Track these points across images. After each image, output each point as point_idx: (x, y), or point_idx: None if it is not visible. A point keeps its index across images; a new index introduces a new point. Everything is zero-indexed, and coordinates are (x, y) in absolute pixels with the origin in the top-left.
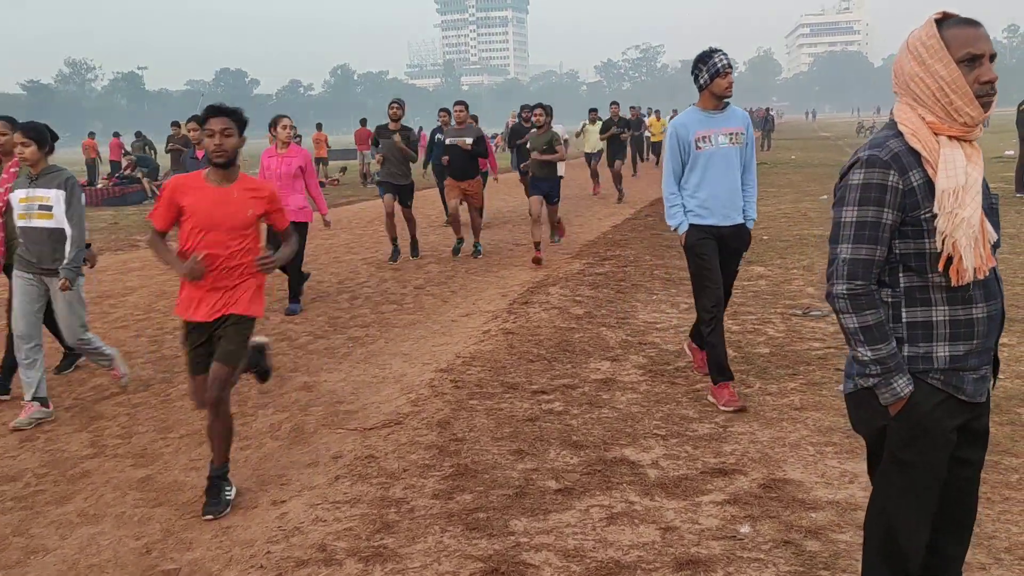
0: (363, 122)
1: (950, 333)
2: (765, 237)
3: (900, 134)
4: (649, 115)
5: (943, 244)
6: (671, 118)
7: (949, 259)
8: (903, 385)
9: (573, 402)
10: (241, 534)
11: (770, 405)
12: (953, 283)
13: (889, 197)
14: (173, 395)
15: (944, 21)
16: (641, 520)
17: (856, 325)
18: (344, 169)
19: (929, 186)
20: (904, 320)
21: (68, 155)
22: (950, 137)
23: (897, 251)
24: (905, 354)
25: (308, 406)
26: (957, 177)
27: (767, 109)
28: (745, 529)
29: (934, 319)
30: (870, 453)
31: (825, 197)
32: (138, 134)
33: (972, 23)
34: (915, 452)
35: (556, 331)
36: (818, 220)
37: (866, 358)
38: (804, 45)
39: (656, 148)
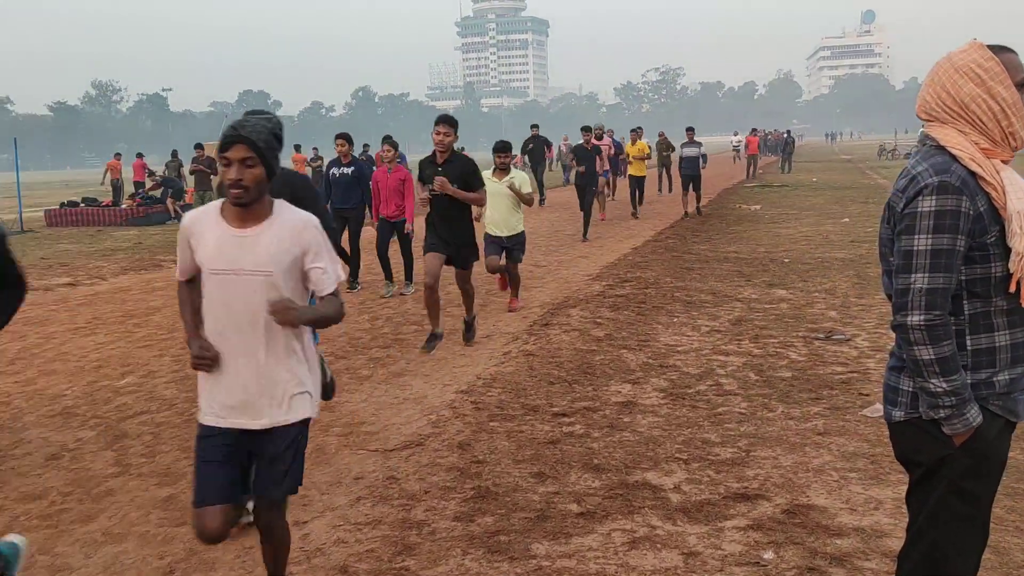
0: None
1: (1011, 357)
2: (787, 260)
3: (955, 158)
4: (636, 139)
5: (1018, 265)
6: (658, 142)
7: (1018, 281)
8: (975, 415)
9: (594, 425)
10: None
11: (793, 430)
12: (1023, 304)
13: (962, 224)
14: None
15: (990, 47)
16: (663, 545)
17: (932, 356)
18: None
19: (993, 210)
20: (969, 348)
21: (94, 175)
22: (1003, 162)
23: (963, 277)
24: (968, 381)
25: (330, 426)
26: None
27: (787, 132)
28: (769, 555)
29: (996, 344)
30: (915, 483)
31: (847, 220)
32: (174, 154)
33: (1013, 51)
34: (979, 481)
35: (577, 353)
36: (840, 243)
37: (940, 389)
38: (825, 67)
39: (639, 183)
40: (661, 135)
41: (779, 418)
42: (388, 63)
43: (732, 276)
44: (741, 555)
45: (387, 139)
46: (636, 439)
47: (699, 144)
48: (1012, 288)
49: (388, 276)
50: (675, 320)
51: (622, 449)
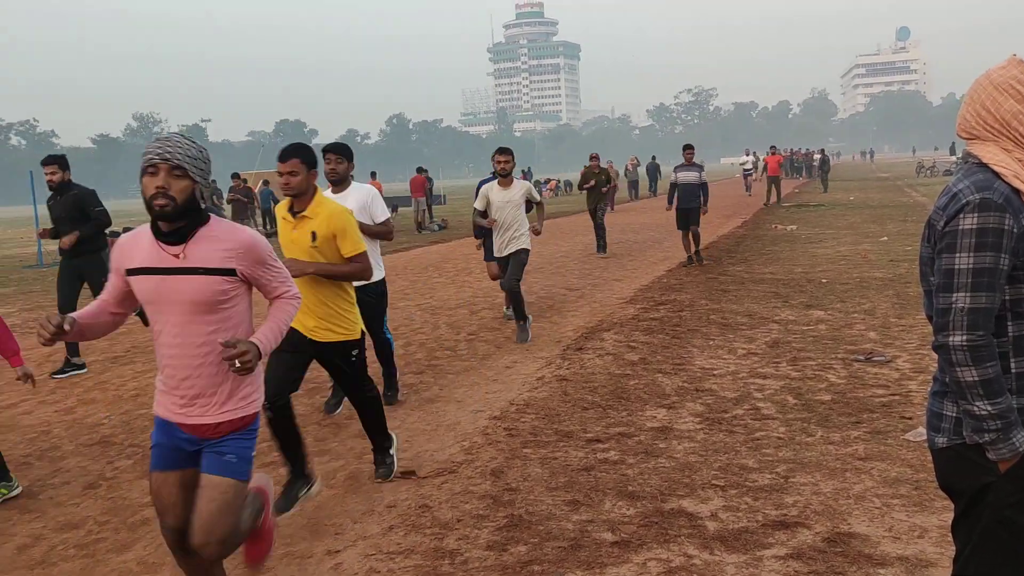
0: (419, 170)
1: None
2: (824, 280)
3: (998, 175)
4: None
5: None
6: (587, 169)
7: None
8: (1022, 440)
9: (629, 451)
10: None
11: (833, 455)
12: None
13: (1006, 242)
14: None
15: None
16: (700, 575)
17: (976, 378)
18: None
19: None
20: (1013, 371)
21: (134, 206)
22: None
23: (1007, 298)
24: (1014, 405)
25: (363, 454)
26: None
27: (821, 150)
28: None
29: None
30: (960, 513)
31: (885, 238)
32: (211, 183)
33: None
34: None
35: (611, 378)
36: (879, 263)
37: (984, 413)
38: (860, 85)
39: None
40: (593, 158)
41: (818, 443)
42: (422, 90)
43: (768, 297)
44: None
45: None
46: (672, 465)
47: (700, 168)
48: None
49: None
50: (711, 343)
51: (657, 476)
